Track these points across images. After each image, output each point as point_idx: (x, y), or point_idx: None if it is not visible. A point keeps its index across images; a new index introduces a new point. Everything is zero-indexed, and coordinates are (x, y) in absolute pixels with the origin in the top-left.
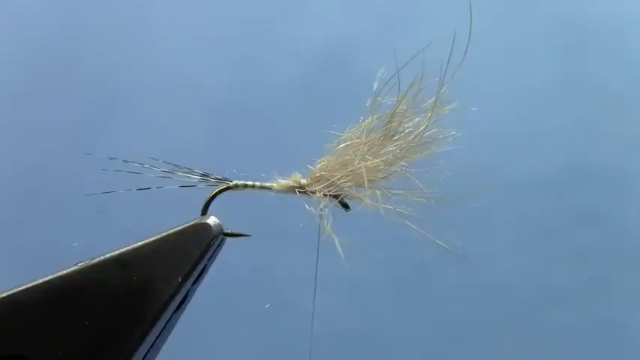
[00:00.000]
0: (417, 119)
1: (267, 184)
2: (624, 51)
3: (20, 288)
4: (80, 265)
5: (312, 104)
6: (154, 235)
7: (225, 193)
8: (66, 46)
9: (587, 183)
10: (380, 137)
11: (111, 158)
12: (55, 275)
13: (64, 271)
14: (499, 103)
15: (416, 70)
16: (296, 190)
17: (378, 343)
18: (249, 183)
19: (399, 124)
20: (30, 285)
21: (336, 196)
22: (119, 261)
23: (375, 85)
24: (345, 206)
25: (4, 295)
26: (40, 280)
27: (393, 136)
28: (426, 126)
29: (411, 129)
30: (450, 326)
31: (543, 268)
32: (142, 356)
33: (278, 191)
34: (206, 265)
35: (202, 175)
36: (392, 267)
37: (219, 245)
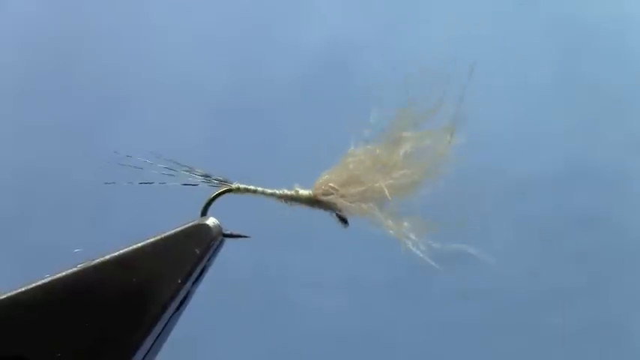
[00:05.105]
0: (425, 139)
1: (269, 191)
2: (624, 51)
3: (20, 289)
4: (80, 266)
5: (312, 104)
6: (154, 236)
7: (226, 195)
8: (66, 46)
9: (587, 183)
10: (388, 155)
11: (115, 152)
12: (55, 277)
13: (64, 273)
14: (499, 103)
15: (419, 79)
16: (298, 201)
17: (378, 343)
18: (251, 187)
19: (408, 143)
20: (30, 286)
21: (336, 211)
22: (119, 262)
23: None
24: (344, 221)
25: (4, 296)
26: (40, 282)
27: (401, 154)
28: (439, 151)
29: (419, 147)
30: (450, 326)
31: (543, 268)
32: (142, 357)
33: (279, 199)
34: (205, 266)
35: (204, 175)
36: (392, 266)
37: (218, 246)
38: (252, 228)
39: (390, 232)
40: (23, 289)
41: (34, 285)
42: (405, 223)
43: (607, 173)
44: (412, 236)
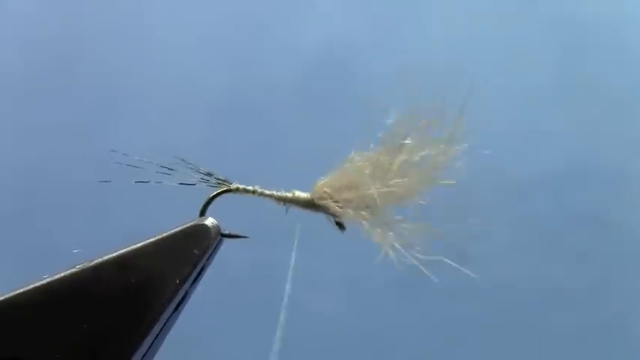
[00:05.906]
0: (427, 149)
1: (268, 192)
2: (625, 50)
3: (19, 290)
4: (79, 267)
5: (312, 105)
6: (152, 237)
7: (224, 195)
8: (66, 46)
9: (588, 183)
10: (389, 163)
11: (112, 151)
12: (54, 277)
13: (63, 274)
14: (499, 103)
15: (418, 78)
16: (296, 203)
17: (378, 344)
18: (250, 188)
19: (408, 150)
20: (29, 287)
21: (334, 216)
22: (117, 263)
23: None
24: (341, 227)
25: (3, 297)
26: (39, 283)
27: (402, 162)
28: (438, 161)
29: (420, 157)
30: (450, 326)
31: (543, 268)
32: (140, 358)
33: (277, 201)
34: (204, 266)
35: (203, 175)
36: (392, 266)
37: (217, 246)
38: (251, 228)
39: (375, 240)
40: (22, 289)
41: (32, 286)
42: (391, 234)
43: (607, 173)
44: (397, 246)
